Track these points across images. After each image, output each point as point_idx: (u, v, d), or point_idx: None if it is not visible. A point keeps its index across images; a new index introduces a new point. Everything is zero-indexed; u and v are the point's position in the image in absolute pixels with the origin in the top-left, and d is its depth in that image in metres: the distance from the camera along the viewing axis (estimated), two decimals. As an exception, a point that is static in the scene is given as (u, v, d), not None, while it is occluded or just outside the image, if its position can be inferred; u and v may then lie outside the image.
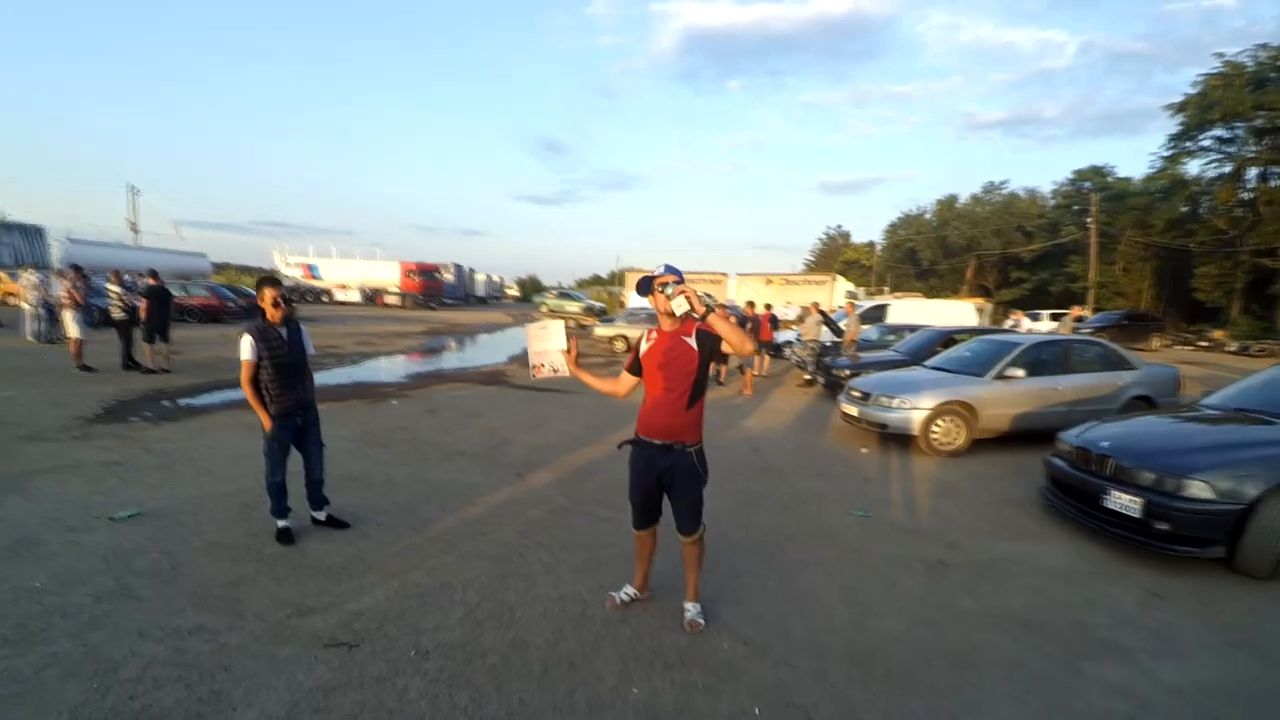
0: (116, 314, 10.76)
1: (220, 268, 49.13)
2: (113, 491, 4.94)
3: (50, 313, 12.73)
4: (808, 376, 12.78)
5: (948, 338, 11.10)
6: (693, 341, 2.88)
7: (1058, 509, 4.94)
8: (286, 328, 4.04)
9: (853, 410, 7.63)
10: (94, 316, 12.82)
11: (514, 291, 77.78)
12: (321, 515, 4.34)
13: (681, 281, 2.83)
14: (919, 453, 7.03)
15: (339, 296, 42.43)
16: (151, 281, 10.95)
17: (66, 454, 5.89)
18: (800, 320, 13.87)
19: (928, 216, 55.02)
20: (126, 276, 12.38)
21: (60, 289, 10.87)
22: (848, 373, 10.40)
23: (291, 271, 42.88)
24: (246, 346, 3.87)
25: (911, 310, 18.14)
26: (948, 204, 52.98)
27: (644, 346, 3.02)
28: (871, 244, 62.05)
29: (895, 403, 7.10)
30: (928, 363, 8.72)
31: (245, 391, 3.93)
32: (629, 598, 3.29)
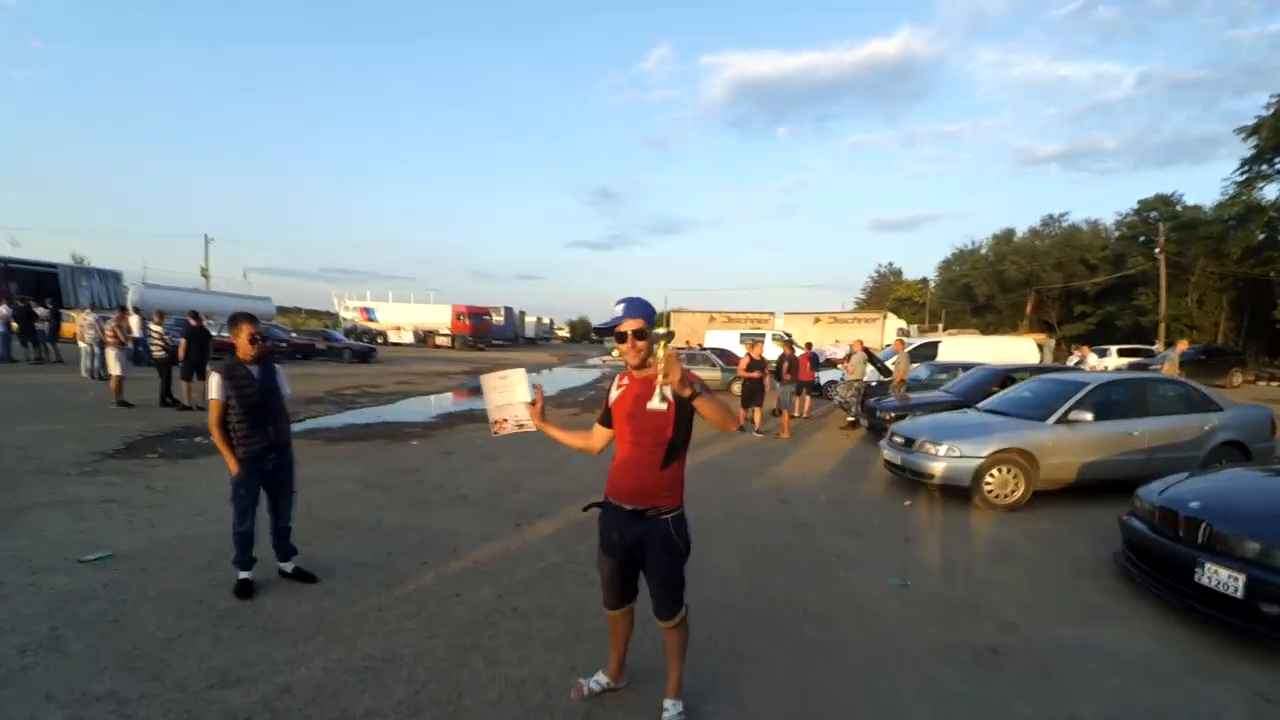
0: (156, 352, 11.02)
1: (288, 311, 51.74)
2: (97, 531, 4.75)
3: (103, 350, 13.17)
4: (851, 418, 12.02)
5: (1004, 377, 10.26)
6: (668, 390, 2.38)
7: (1138, 580, 4.16)
8: (259, 366, 3.78)
9: (895, 458, 6.92)
10: (150, 355, 13.20)
11: (564, 333, 78.32)
12: (289, 567, 3.98)
13: (648, 323, 2.38)
14: (971, 506, 6.26)
15: (393, 338, 43.57)
16: (192, 322, 11.21)
17: (69, 489, 5.79)
18: (847, 359, 13.13)
19: (983, 251, 53.10)
20: (199, 317, 12.61)
21: (106, 328, 11.21)
22: (891, 415, 9.67)
23: (350, 315, 44.42)
24: (214, 385, 3.62)
25: (965, 347, 17.13)
26: (1004, 238, 51.04)
27: (614, 393, 2.54)
28: (924, 280, 60.24)
29: (943, 450, 6.37)
30: (981, 405, 7.93)
31: (213, 433, 3.66)
32: (600, 687, 2.76)
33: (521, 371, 2.72)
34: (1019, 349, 17.67)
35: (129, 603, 3.57)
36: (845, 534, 5.37)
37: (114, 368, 10.71)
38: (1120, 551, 4.45)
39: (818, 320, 31.75)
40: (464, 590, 3.88)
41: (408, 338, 43.78)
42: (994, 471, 6.26)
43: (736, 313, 34.46)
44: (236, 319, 3.83)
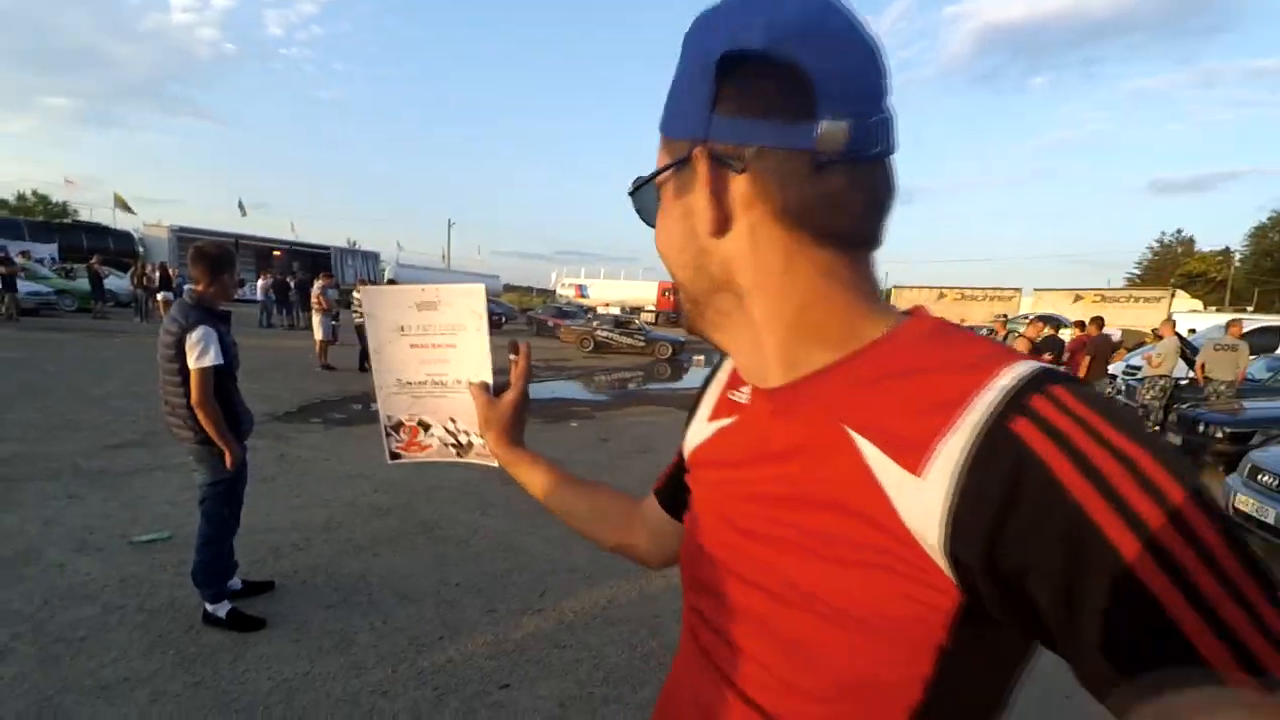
0: (357, 319, 11.55)
1: (516, 289, 58.18)
2: (188, 502, 4.26)
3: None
4: (1153, 428, 8.67)
5: None
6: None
7: None
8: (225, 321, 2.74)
9: (1263, 511, 4.17)
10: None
11: None
12: (222, 611, 2.77)
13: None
14: None
15: (601, 313, 45.29)
16: (390, 288, 11.57)
17: (211, 452, 5.60)
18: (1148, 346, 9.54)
19: (1322, 211, 39.71)
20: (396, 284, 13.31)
21: (312, 295, 12.00)
22: (1226, 433, 6.46)
23: (565, 291, 47.02)
24: (212, 346, 2.54)
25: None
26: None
27: (692, 432, 0.64)
28: (1226, 251, 46.87)
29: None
30: None
31: (206, 414, 2.55)
32: None
33: (481, 290, 0.83)
34: None
35: (120, 613, 2.80)
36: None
37: (317, 332, 11.40)
38: None
39: (1079, 298, 25.51)
40: (518, 678, 2.50)
41: (615, 312, 45.29)
42: None
43: (973, 288, 29.27)
44: (204, 253, 2.67)
